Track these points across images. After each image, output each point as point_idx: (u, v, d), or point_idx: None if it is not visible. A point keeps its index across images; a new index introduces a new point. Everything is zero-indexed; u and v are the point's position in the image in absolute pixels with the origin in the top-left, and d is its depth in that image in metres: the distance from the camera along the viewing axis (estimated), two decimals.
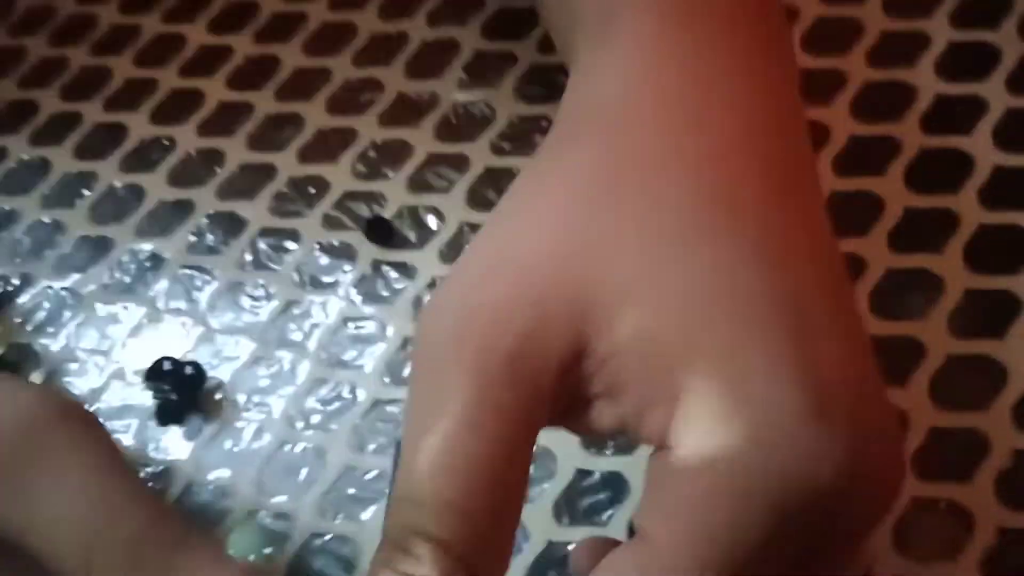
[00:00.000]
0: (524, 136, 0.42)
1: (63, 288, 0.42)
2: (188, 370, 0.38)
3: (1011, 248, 0.36)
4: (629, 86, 0.23)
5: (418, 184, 0.42)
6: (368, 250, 0.41)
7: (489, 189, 0.41)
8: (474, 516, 0.21)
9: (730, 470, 0.18)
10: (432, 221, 0.41)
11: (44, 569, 0.22)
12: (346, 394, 0.38)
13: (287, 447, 0.37)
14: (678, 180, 0.21)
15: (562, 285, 0.21)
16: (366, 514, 0.35)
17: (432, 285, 0.39)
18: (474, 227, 0.40)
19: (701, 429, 0.19)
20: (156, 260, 0.42)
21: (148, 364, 0.39)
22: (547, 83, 0.43)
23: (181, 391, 0.38)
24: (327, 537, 0.35)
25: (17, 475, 0.22)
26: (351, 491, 0.36)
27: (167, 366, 0.38)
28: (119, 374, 0.40)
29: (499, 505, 0.21)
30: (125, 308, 0.41)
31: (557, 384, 0.21)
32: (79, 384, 0.40)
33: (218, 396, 0.38)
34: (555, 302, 0.21)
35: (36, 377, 0.40)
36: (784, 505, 0.18)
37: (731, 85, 0.23)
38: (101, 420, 0.38)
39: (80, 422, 0.24)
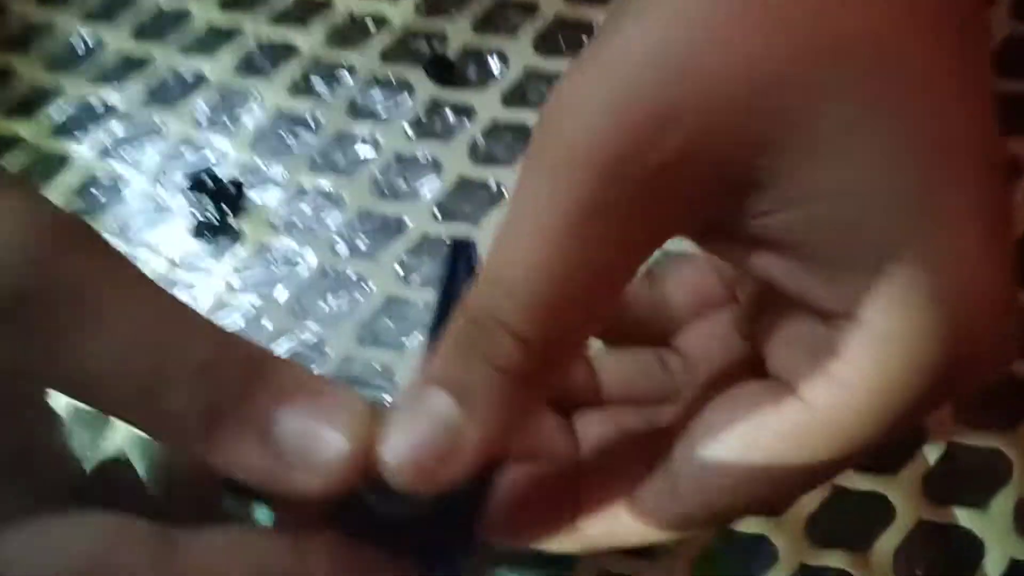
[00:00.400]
0: None
1: (100, 98, 0.40)
2: (230, 188, 0.36)
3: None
4: None
5: (484, 25, 0.40)
6: (426, 87, 0.39)
7: (558, 36, 0.39)
8: (563, 324, 0.19)
9: (925, 352, 0.18)
10: (495, 65, 0.39)
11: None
12: (393, 226, 0.36)
13: (328, 274, 0.35)
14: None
15: (750, 94, 0.17)
16: (409, 341, 0.33)
17: (492, 130, 0.37)
18: (539, 75, 0.38)
19: (901, 309, 0.18)
20: (200, 79, 0.40)
21: (188, 178, 0.37)
22: None
23: (221, 207, 0.36)
24: (364, 362, 0.33)
25: (49, 315, 0.17)
26: (390, 323, 0.34)
27: (209, 181, 0.36)
28: (156, 184, 0.38)
29: (589, 318, 0.19)
30: (164, 123, 0.39)
31: (708, 208, 0.18)
32: (111, 194, 0.38)
33: (258, 217, 0.37)
34: (735, 114, 0.17)
35: (68, 179, 0.38)
36: (955, 388, 0.19)
37: None
38: (134, 232, 0.37)
39: (99, 242, 0.18)
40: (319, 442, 0.18)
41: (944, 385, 0.19)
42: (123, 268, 0.18)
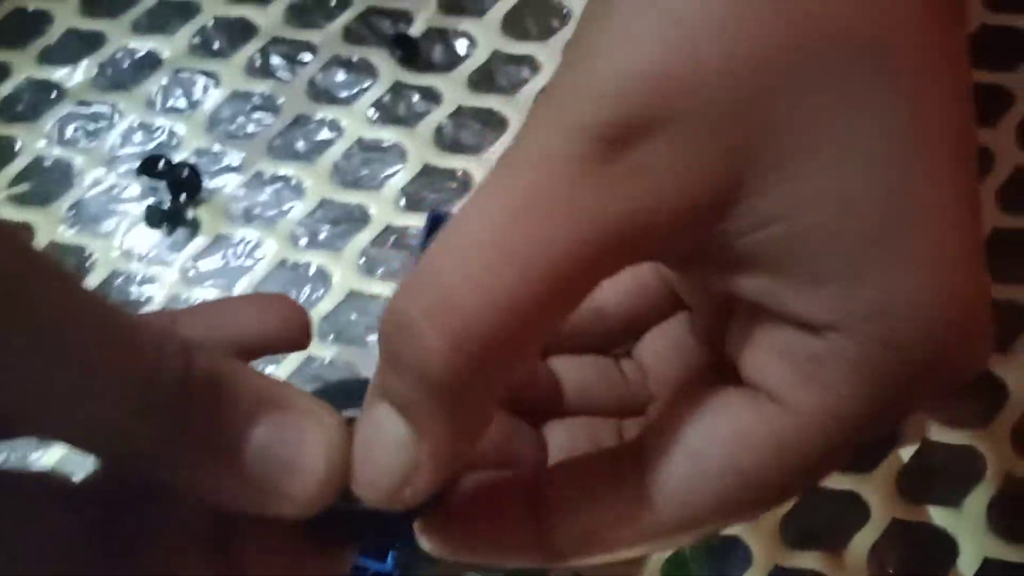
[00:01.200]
0: None
1: (48, 80, 0.39)
2: (184, 172, 0.35)
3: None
4: None
5: (450, 5, 0.39)
6: (391, 69, 0.37)
7: (528, 17, 0.38)
8: (507, 333, 0.17)
9: (898, 359, 0.18)
10: (462, 46, 0.38)
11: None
12: (357, 216, 0.35)
13: (288, 265, 0.34)
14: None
15: (733, 102, 0.17)
16: (370, 336, 0.32)
17: (457, 112, 0.36)
18: (508, 57, 0.37)
19: (887, 316, 0.18)
20: (153, 59, 0.39)
21: (141, 162, 0.35)
22: None
23: (175, 193, 0.35)
24: (326, 360, 0.32)
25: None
26: (354, 316, 0.33)
27: (162, 164, 0.35)
28: (108, 168, 0.36)
29: (538, 329, 0.17)
30: (115, 106, 0.38)
31: (686, 228, 0.17)
32: (62, 180, 0.36)
33: (214, 206, 0.35)
34: (717, 122, 0.17)
35: (16, 165, 0.37)
36: (937, 389, 0.19)
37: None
38: (84, 220, 0.35)
39: (39, 254, 0.16)
40: (293, 469, 0.17)
41: (927, 386, 0.19)
42: (62, 278, 0.17)
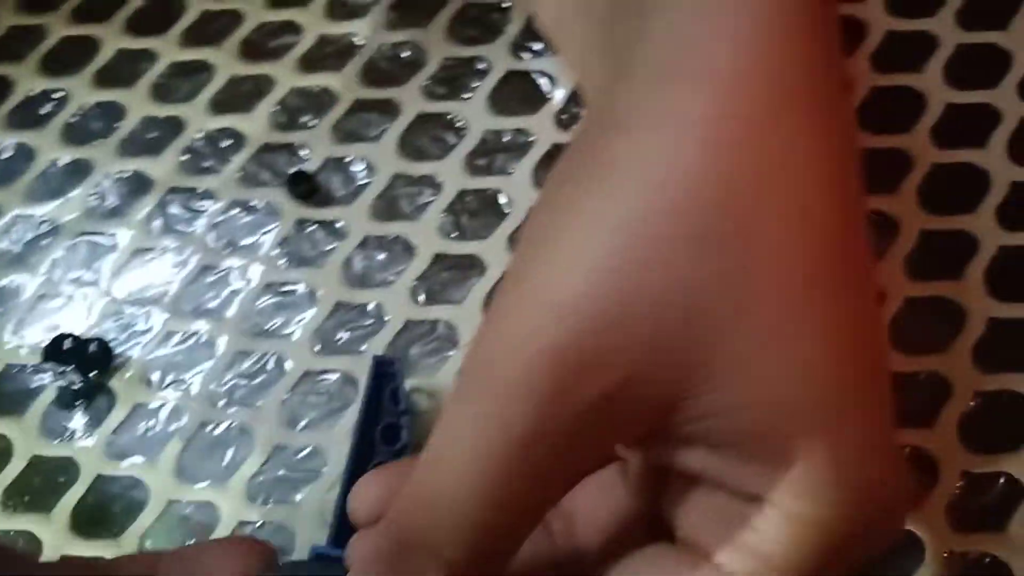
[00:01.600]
0: (457, 79, 0.39)
1: None
2: (92, 347, 0.34)
3: None
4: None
5: (344, 133, 0.38)
6: (291, 208, 0.37)
7: (422, 136, 0.38)
8: (494, 547, 0.20)
9: (835, 529, 0.20)
10: (361, 174, 0.37)
11: None
12: (272, 366, 0.34)
13: (208, 428, 0.33)
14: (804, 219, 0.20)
15: (683, 321, 0.19)
16: (299, 495, 0.31)
17: (363, 244, 0.35)
18: (406, 178, 0.37)
19: (811, 492, 0.20)
20: (51, 227, 0.38)
21: (46, 343, 0.34)
22: (482, 23, 0.40)
23: (85, 371, 0.34)
24: (257, 524, 0.31)
25: None
26: (281, 472, 0.32)
27: (68, 344, 0.34)
28: (12, 355, 0.35)
29: (521, 538, 0.21)
30: (14, 282, 0.37)
31: (641, 427, 0.20)
32: None
33: (127, 375, 0.34)
34: (670, 340, 0.19)
35: None
36: (862, 553, 0.21)
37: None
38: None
39: None
40: None
41: (852, 552, 0.20)
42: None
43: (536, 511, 0.21)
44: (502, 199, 0.36)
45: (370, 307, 0.35)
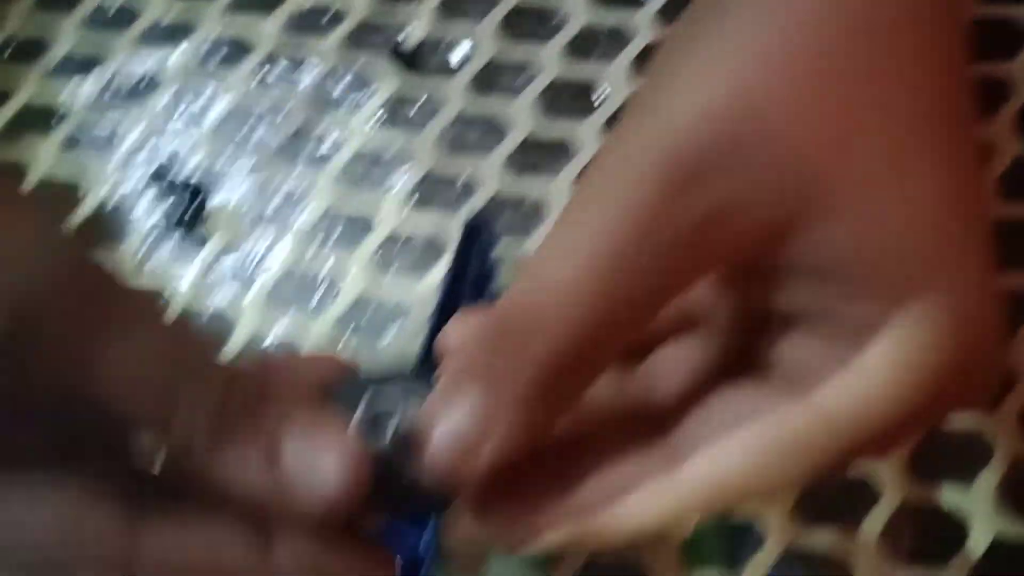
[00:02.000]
0: None
1: (53, 97, 0.39)
2: (191, 184, 0.35)
3: None
4: None
5: (449, 9, 0.39)
6: (392, 75, 0.38)
7: (529, 20, 0.39)
8: (598, 340, 0.20)
9: (937, 362, 0.20)
10: (461, 51, 0.38)
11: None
12: (366, 220, 0.35)
13: (298, 270, 0.35)
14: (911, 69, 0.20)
15: (795, 145, 0.19)
16: (382, 341, 0.33)
17: (457, 120, 0.37)
18: (503, 65, 0.38)
19: (925, 334, 0.20)
20: (155, 77, 0.39)
21: (149, 176, 0.36)
22: None
23: (183, 206, 0.35)
24: None
25: (84, 338, 0.19)
26: (366, 318, 0.33)
27: (169, 177, 0.35)
28: (114, 187, 0.37)
29: (621, 339, 0.20)
30: (121, 123, 0.38)
31: (747, 254, 0.20)
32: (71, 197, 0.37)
33: (223, 215, 0.36)
34: (784, 158, 0.19)
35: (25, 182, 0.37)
36: (950, 408, 0.21)
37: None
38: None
39: (106, 270, 0.20)
40: (320, 472, 0.19)
41: (947, 404, 0.21)
42: (131, 290, 0.20)
43: (639, 313, 0.20)
44: (595, 90, 0.37)
45: (461, 178, 0.36)
